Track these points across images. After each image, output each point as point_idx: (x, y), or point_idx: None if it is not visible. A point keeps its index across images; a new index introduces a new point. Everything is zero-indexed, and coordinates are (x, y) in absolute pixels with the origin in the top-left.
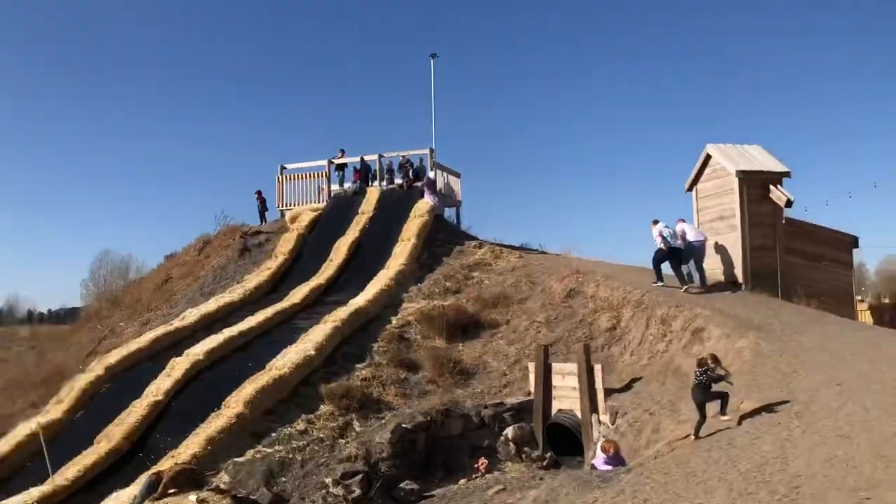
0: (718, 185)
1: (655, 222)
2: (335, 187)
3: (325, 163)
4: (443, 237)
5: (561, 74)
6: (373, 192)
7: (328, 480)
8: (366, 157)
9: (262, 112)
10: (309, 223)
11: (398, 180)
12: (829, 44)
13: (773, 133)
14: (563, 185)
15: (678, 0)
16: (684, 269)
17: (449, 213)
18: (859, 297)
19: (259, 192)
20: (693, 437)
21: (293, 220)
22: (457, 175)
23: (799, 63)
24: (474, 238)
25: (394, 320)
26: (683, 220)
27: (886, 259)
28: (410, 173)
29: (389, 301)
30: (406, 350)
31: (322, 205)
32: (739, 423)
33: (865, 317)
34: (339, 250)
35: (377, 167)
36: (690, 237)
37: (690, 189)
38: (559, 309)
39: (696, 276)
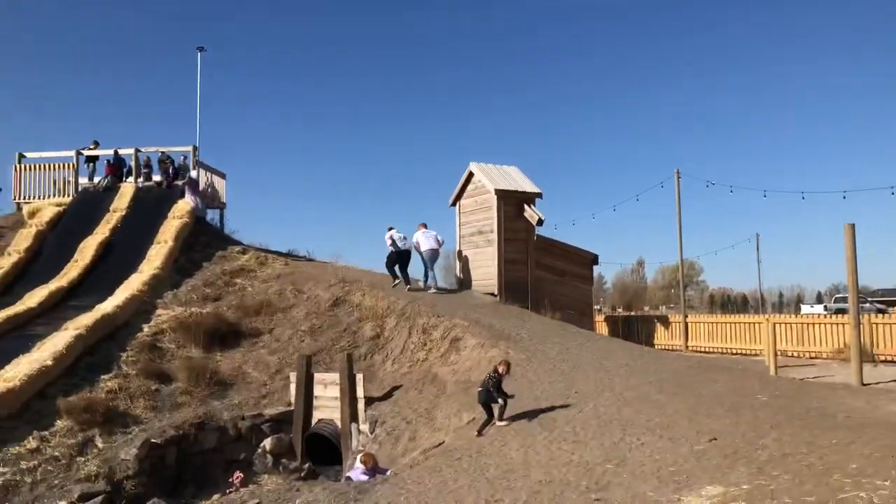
0: (479, 201)
1: (390, 228)
2: (84, 181)
3: (73, 153)
4: (204, 241)
5: (341, 73)
6: (127, 189)
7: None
8: (121, 151)
9: None
10: (51, 219)
11: (157, 177)
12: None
13: (527, 156)
14: (334, 194)
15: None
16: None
17: (212, 215)
18: (598, 307)
19: None
20: (477, 433)
21: (32, 214)
22: (222, 175)
23: (556, 91)
24: (238, 243)
25: (146, 328)
26: (425, 226)
27: (619, 273)
28: (171, 171)
29: (141, 307)
30: (158, 360)
31: (68, 199)
32: (480, 433)
33: (602, 327)
34: (86, 250)
35: (133, 162)
36: (423, 246)
37: (454, 204)
38: (324, 318)
39: (430, 278)
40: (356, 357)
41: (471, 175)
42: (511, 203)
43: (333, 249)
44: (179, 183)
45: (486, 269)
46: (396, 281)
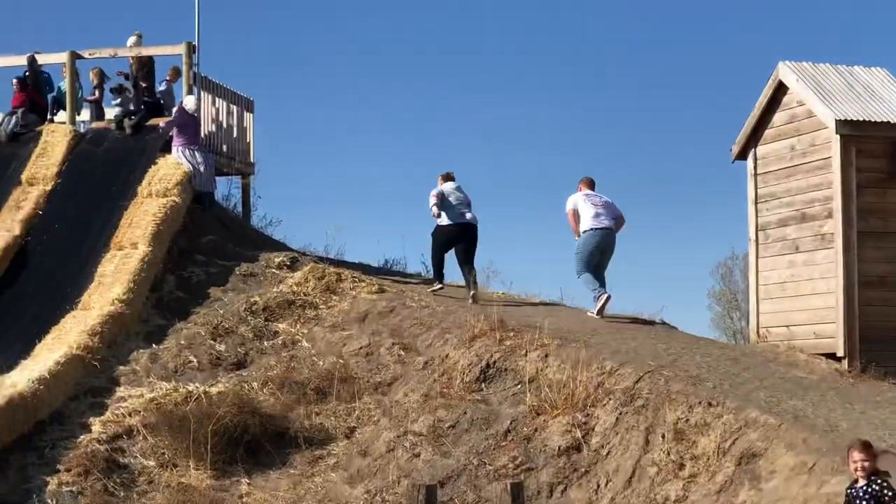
0: (801, 147)
1: (446, 178)
2: None
3: None
4: (212, 243)
5: None
6: (57, 135)
7: None
8: (43, 58)
9: None
10: None
11: (113, 108)
12: None
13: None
14: (446, 144)
15: None
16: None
17: (227, 189)
18: None
19: None
20: None
21: None
22: (247, 106)
23: None
24: (283, 247)
25: (96, 424)
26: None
27: None
28: (143, 94)
29: (86, 381)
30: (122, 493)
31: None
32: None
33: None
34: None
35: (68, 80)
36: (589, 220)
37: (743, 156)
38: (462, 406)
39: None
40: (531, 491)
41: (781, 89)
42: (877, 150)
43: (479, 257)
44: (160, 123)
45: (810, 299)
46: (438, 285)
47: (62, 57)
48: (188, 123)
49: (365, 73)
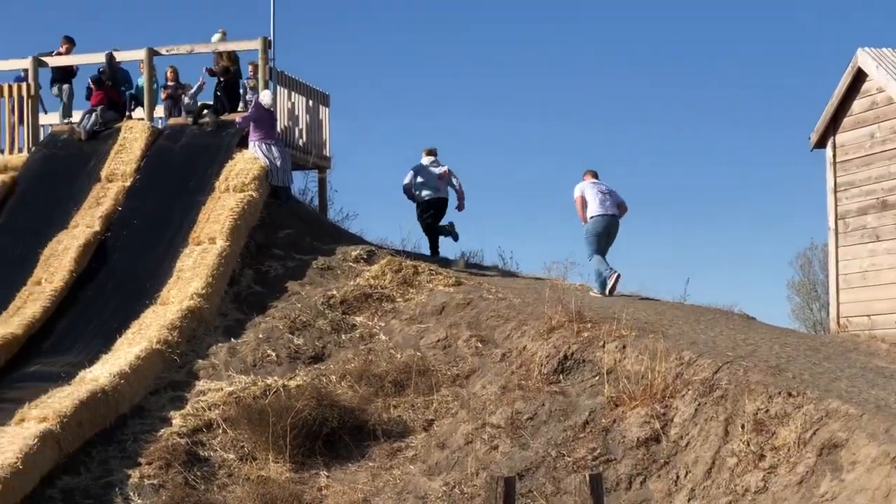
0: (883, 134)
1: (429, 153)
2: (50, 118)
3: (27, 63)
4: (288, 236)
5: None
6: (135, 133)
7: None
8: (121, 55)
9: None
10: None
11: (186, 102)
12: None
13: None
14: (546, 144)
15: None
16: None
17: (304, 184)
18: None
19: None
20: None
21: None
22: (322, 100)
23: None
24: (359, 240)
25: (176, 418)
26: (594, 175)
27: None
28: (218, 92)
29: (166, 375)
30: (202, 486)
31: (18, 157)
32: None
33: None
34: (57, 262)
35: (146, 77)
36: (596, 206)
37: (821, 144)
38: (540, 397)
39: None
40: (610, 483)
41: (860, 76)
42: None
43: (547, 250)
44: (237, 118)
45: (891, 288)
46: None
47: (140, 54)
48: (264, 118)
49: (443, 65)
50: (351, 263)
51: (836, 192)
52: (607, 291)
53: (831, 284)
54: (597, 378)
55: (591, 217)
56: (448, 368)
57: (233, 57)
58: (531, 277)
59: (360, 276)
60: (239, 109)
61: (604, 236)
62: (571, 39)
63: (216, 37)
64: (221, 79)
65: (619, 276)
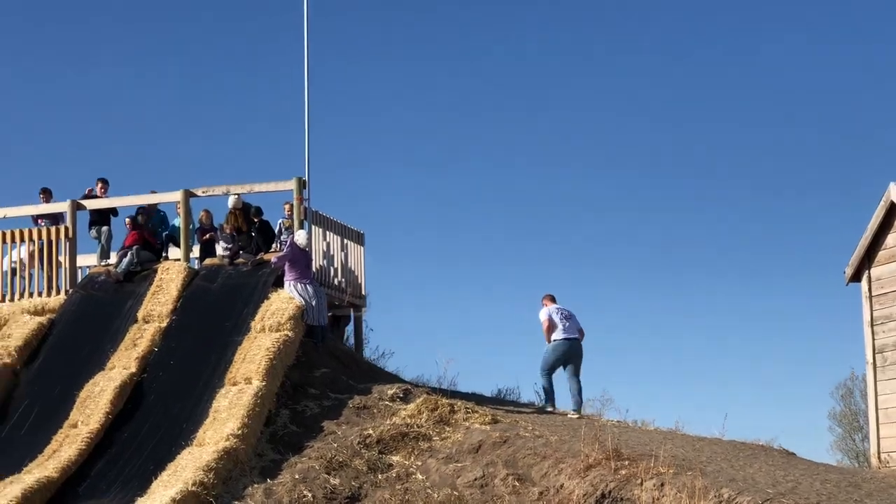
0: None
1: (549, 300)
2: (87, 260)
3: (65, 207)
4: (324, 376)
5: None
6: (172, 272)
7: None
8: (156, 198)
9: None
10: (24, 341)
11: (222, 247)
12: None
13: None
14: (570, 279)
15: None
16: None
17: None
18: None
19: None
20: None
21: None
22: (356, 239)
23: None
24: (395, 378)
25: None
26: (552, 299)
27: None
28: (251, 232)
29: None
30: None
31: (56, 299)
32: None
33: None
34: (94, 404)
35: (182, 218)
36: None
37: (857, 278)
38: None
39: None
40: None
41: (893, 210)
42: None
43: (592, 385)
44: (272, 258)
45: None
46: (547, 406)
47: (176, 195)
48: (300, 258)
49: (471, 203)
50: (387, 402)
51: (872, 325)
52: (545, 407)
53: (871, 419)
54: None
55: (556, 340)
56: None
57: (248, 216)
58: (566, 415)
59: (397, 414)
60: (273, 249)
61: (563, 359)
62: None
63: (232, 199)
64: (255, 220)
65: (551, 407)
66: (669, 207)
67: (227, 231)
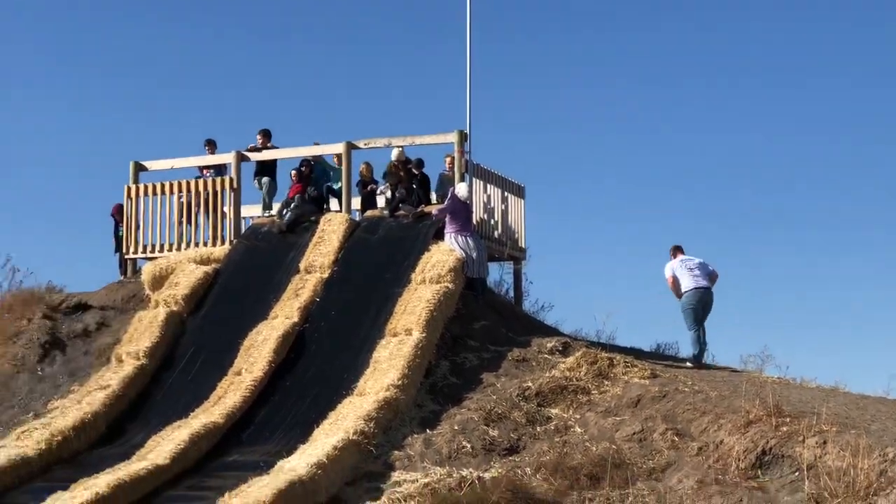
0: None
1: (676, 251)
2: (251, 211)
3: (230, 158)
4: (483, 328)
5: None
6: (334, 224)
7: None
8: (319, 149)
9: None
10: (191, 290)
11: (382, 194)
12: None
13: None
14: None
15: None
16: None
17: (499, 275)
18: None
19: (117, 213)
20: None
21: (158, 280)
22: (518, 193)
23: None
24: (554, 331)
25: None
26: (680, 250)
27: None
28: (413, 184)
29: (362, 466)
30: None
31: (220, 249)
32: None
33: None
34: (257, 352)
35: (344, 170)
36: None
37: None
38: (738, 493)
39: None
40: None
41: None
42: None
43: (742, 343)
44: (433, 211)
45: None
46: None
47: (338, 147)
48: (460, 210)
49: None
50: (546, 355)
51: None
52: (694, 363)
53: None
54: (796, 474)
55: (685, 291)
56: (644, 462)
57: (410, 169)
58: (727, 370)
59: (556, 367)
60: (433, 201)
61: (699, 308)
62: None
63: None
64: (416, 172)
65: (703, 351)
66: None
67: (390, 184)
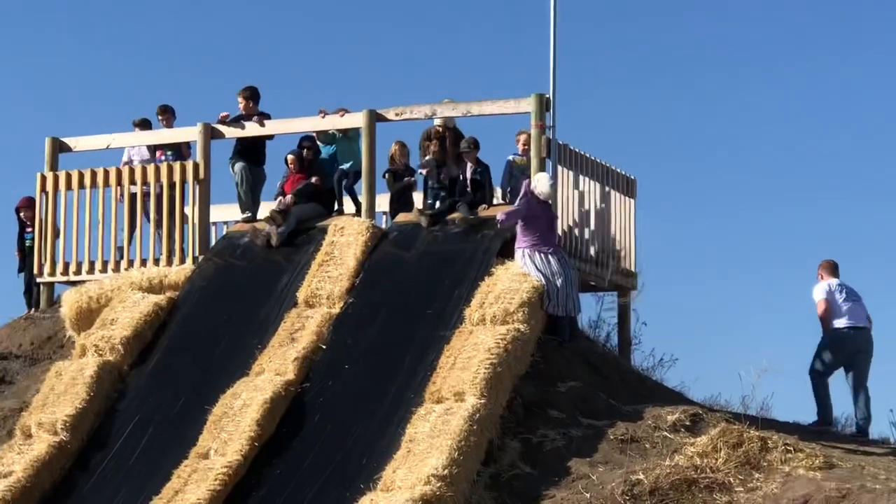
0: None
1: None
2: (225, 213)
3: (194, 134)
4: (572, 393)
5: None
6: (348, 233)
7: None
8: (326, 123)
9: None
10: (134, 331)
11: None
12: None
13: None
14: None
15: None
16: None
17: (596, 313)
18: None
19: (25, 210)
20: None
21: (85, 316)
22: (626, 191)
23: None
24: (675, 397)
25: None
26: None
27: None
28: (468, 173)
29: None
30: None
31: (179, 271)
32: None
33: None
34: (233, 425)
35: (366, 152)
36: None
37: None
38: None
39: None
40: None
41: None
42: None
43: None
44: (498, 214)
45: None
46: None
47: (357, 119)
48: (539, 215)
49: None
50: (665, 433)
51: None
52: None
53: None
54: None
55: (839, 328)
56: None
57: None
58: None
59: (680, 451)
60: (498, 201)
61: (848, 355)
62: None
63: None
64: (468, 153)
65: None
66: None
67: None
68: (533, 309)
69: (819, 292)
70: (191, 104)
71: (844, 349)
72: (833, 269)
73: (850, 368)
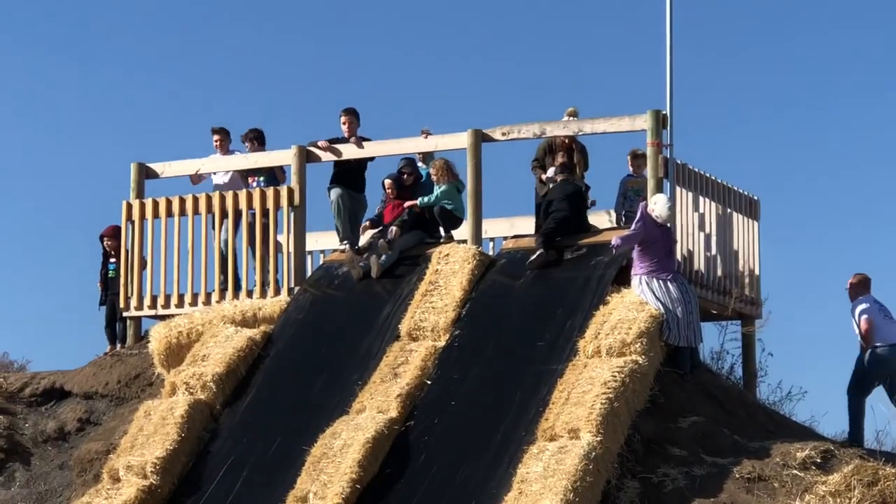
0: None
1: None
2: (322, 241)
3: (288, 157)
4: (694, 429)
5: None
6: (454, 261)
7: None
8: (430, 144)
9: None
10: (227, 367)
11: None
12: None
13: None
14: None
15: None
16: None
17: (719, 343)
18: None
19: (110, 239)
20: None
21: (175, 353)
22: (749, 212)
23: None
24: (805, 432)
25: None
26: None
27: None
28: (587, 198)
29: None
30: None
31: (273, 303)
32: None
33: None
34: (333, 466)
35: (470, 172)
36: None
37: None
38: None
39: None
40: None
41: None
42: None
43: None
44: (613, 238)
45: None
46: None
47: (461, 139)
48: (657, 239)
49: None
50: (795, 471)
51: None
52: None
53: None
54: None
55: (877, 346)
56: None
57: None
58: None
59: (811, 491)
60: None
61: (889, 373)
62: None
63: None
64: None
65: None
66: None
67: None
68: (651, 339)
69: (861, 311)
70: (282, 128)
71: (887, 368)
72: (868, 285)
73: (890, 384)
